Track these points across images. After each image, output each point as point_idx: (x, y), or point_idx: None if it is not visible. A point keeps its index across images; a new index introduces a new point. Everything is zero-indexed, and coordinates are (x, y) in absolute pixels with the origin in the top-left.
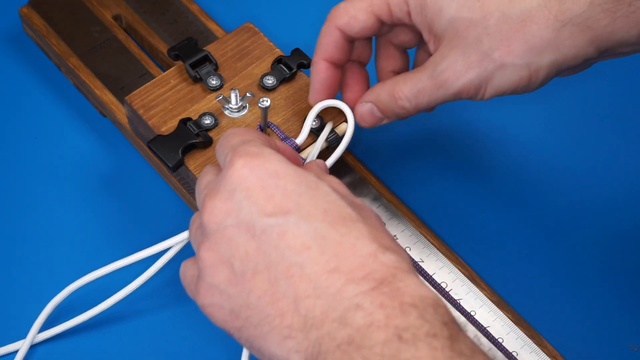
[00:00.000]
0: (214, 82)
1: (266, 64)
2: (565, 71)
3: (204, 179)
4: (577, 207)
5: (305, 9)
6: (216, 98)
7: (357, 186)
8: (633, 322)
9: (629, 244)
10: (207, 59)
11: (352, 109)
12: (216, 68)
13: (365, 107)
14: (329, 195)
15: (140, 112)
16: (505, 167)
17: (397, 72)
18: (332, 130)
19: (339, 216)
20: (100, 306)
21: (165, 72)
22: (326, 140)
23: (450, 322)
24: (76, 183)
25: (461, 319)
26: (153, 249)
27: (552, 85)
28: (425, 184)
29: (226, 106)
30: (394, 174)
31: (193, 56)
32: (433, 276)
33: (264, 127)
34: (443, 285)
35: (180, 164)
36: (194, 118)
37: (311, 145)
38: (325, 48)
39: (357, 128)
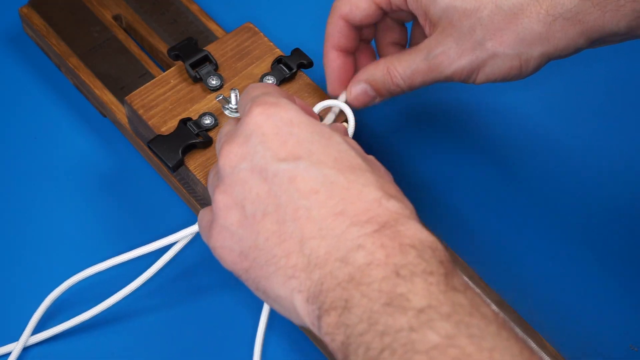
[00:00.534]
0: (214, 82)
1: (266, 64)
2: (556, 58)
3: (225, 129)
4: (577, 207)
5: (305, 9)
6: (216, 98)
7: None
8: (633, 322)
9: (629, 244)
10: (207, 59)
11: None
12: (216, 68)
13: (359, 87)
14: (340, 144)
15: (140, 112)
16: (506, 167)
17: (396, 44)
18: None
19: (348, 165)
20: (100, 306)
21: (165, 72)
22: None
23: (446, 262)
24: (76, 183)
25: None
26: (156, 244)
27: (551, 81)
28: (425, 184)
29: (226, 106)
30: (393, 174)
31: (193, 56)
32: None
33: None
34: None
35: (180, 164)
36: (194, 118)
37: None
38: (333, 37)
39: (357, 128)
